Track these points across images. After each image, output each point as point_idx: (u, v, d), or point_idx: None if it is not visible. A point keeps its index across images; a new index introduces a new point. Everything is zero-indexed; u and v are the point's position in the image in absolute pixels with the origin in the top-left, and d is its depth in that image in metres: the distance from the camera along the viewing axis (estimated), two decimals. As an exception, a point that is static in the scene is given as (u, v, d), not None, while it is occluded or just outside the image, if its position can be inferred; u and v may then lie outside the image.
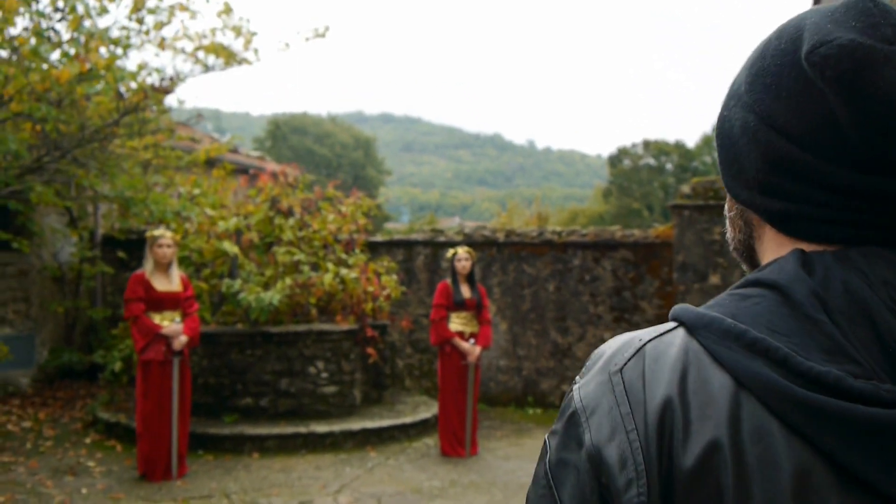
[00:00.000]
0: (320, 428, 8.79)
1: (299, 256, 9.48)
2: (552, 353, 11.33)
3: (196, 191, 9.29)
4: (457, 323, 8.70)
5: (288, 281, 9.07)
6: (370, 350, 9.84)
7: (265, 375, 9.21)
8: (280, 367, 9.24)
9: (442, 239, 11.83)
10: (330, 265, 9.96)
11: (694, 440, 0.81)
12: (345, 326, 9.59)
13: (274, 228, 9.82)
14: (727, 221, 1.04)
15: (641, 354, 0.90)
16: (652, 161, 56.76)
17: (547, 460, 0.92)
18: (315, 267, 10.17)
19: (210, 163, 11.84)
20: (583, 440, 0.87)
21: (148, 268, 7.59)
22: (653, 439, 0.83)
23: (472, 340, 8.59)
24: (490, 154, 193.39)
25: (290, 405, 9.24)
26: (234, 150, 17.09)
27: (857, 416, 0.75)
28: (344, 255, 10.34)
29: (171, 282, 7.67)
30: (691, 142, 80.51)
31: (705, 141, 56.29)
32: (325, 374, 9.39)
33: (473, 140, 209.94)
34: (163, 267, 7.64)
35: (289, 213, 10.02)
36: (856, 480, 0.76)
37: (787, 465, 0.77)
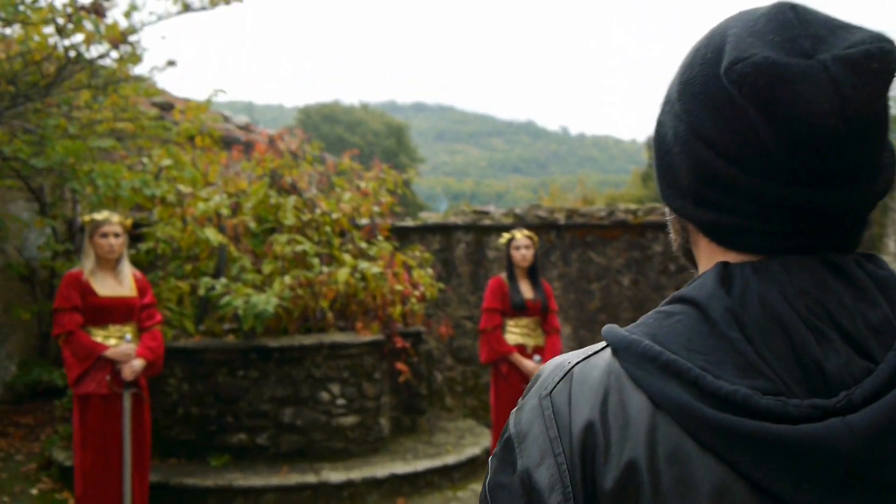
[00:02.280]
0: (335, 475, 6.57)
1: (304, 246, 7.26)
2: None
3: (165, 161, 7.10)
4: (515, 333, 6.46)
5: (287, 279, 6.85)
6: (400, 365, 7.64)
7: (263, 404, 7.02)
8: (282, 392, 7.04)
9: (487, 222, 9.56)
10: (346, 257, 7.75)
11: (613, 462, 0.83)
12: (367, 336, 7.38)
13: (273, 210, 7.61)
14: (670, 225, 1.04)
15: (569, 377, 0.92)
16: None
17: (487, 481, 0.94)
18: (329, 260, 7.96)
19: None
20: (516, 465, 0.89)
21: (87, 265, 5.43)
22: (577, 462, 0.85)
23: (536, 357, 6.34)
24: (523, 141, 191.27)
25: (295, 443, 7.04)
26: (247, 127, 14.90)
27: (764, 433, 0.77)
28: (364, 245, 8.12)
29: (120, 283, 5.49)
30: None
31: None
32: (341, 401, 7.18)
33: (506, 128, 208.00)
34: (108, 264, 5.47)
35: (292, 191, 7.81)
36: (772, 497, 0.77)
37: (703, 484, 0.79)
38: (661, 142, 0.97)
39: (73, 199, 10.54)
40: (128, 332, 5.46)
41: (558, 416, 0.89)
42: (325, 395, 7.12)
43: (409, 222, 9.60)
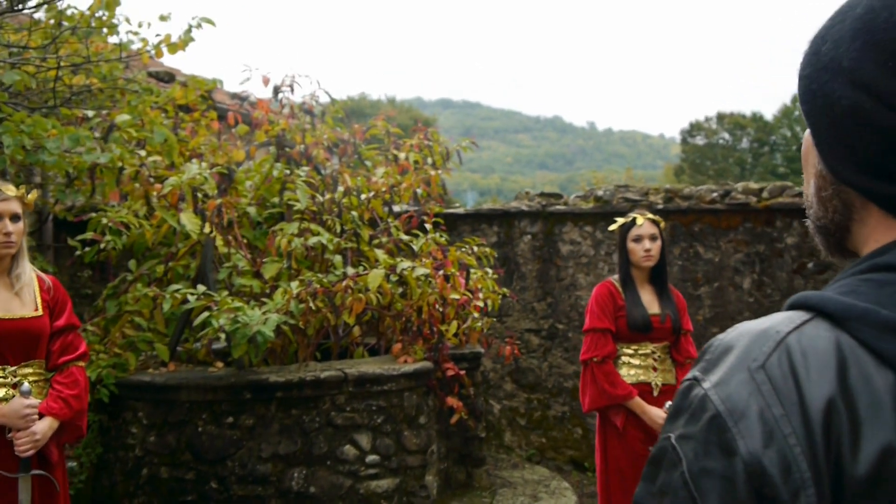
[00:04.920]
0: (365, 576, 4.45)
1: (321, 238, 5.12)
2: (751, 393, 6.82)
3: (122, 117, 4.91)
4: (635, 365, 4.32)
5: (294, 287, 4.71)
6: (452, 400, 5.52)
7: (261, 464, 4.90)
8: (289, 446, 4.92)
9: (560, 208, 7.37)
10: (380, 254, 5.61)
11: (866, 445, 0.76)
12: (408, 364, 5.24)
13: (277, 188, 5.48)
14: (815, 200, 0.99)
15: (784, 348, 0.83)
16: (727, 136, 53.63)
17: (685, 469, 0.82)
18: (355, 258, 5.84)
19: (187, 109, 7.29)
20: (734, 447, 0.79)
21: (-35, 267, 3.32)
22: (819, 444, 0.77)
23: (668, 404, 4.17)
24: (550, 137, 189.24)
25: (308, 521, 4.91)
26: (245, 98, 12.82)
27: None
28: (404, 237, 5.96)
29: (17, 297, 3.39)
30: (769, 113, 75.87)
31: (784, 112, 51.96)
32: (373, 458, 5.04)
33: (533, 123, 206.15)
34: None
35: (307, 163, 5.69)
36: None
37: None
38: (822, 113, 0.91)
39: (43, 182, 8.48)
40: (28, 375, 3.35)
41: (780, 392, 0.79)
42: (349, 451, 4.99)
43: (458, 209, 7.43)
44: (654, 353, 4.30)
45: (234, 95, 12.96)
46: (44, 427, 3.26)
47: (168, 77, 11.81)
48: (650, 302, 4.33)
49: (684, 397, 0.87)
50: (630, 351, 4.31)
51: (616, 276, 4.42)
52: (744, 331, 0.87)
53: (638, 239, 4.30)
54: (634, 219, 4.33)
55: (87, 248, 5.63)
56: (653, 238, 4.29)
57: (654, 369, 4.29)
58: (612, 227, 4.46)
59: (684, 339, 4.39)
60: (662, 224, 4.38)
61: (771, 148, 52.42)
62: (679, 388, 0.89)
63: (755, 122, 53.09)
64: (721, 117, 54.25)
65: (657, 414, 4.15)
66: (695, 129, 54.76)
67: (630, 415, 4.22)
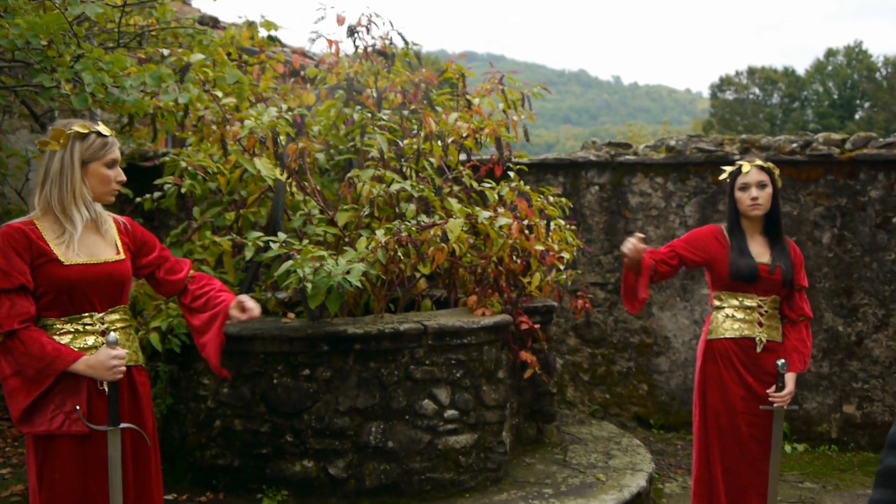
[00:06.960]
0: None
1: (404, 185, 4.91)
2: (828, 351, 6.60)
3: (196, 56, 4.66)
4: (738, 319, 4.09)
5: (381, 235, 4.51)
6: (525, 355, 5.33)
7: (338, 418, 4.75)
8: (367, 400, 4.76)
9: (630, 157, 7.10)
10: (453, 203, 5.39)
11: None
12: (487, 317, 5.05)
13: (351, 136, 5.26)
14: None
15: None
16: (757, 91, 52.68)
17: None
18: (423, 206, 5.62)
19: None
20: None
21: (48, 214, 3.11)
22: None
23: (781, 361, 3.96)
24: (575, 91, 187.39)
25: (386, 475, 4.77)
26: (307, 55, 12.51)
27: None
28: (476, 185, 5.73)
29: (102, 238, 3.19)
30: (801, 68, 74.43)
31: (817, 67, 50.90)
32: (451, 412, 4.88)
33: (558, 77, 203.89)
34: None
35: (378, 106, 5.46)
36: None
37: None
38: None
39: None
40: (115, 322, 3.17)
41: None
42: (428, 405, 4.83)
43: (523, 157, 7.17)
44: (760, 306, 4.07)
45: (293, 50, 12.69)
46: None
47: (212, 22, 11.55)
48: (760, 252, 4.08)
49: None
50: (735, 302, 4.08)
51: (725, 224, 4.20)
52: None
53: (745, 187, 4.05)
54: (741, 167, 4.08)
55: (146, 196, 5.44)
56: (760, 186, 4.04)
57: (760, 324, 4.06)
58: (722, 176, 4.21)
59: (798, 295, 4.14)
60: (777, 172, 4.12)
61: (802, 103, 51.48)
62: None
63: (787, 76, 52.11)
64: (752, 72, 53.33)
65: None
66: (725, 83, 53.85)
67: (733, 370, 4.02)
